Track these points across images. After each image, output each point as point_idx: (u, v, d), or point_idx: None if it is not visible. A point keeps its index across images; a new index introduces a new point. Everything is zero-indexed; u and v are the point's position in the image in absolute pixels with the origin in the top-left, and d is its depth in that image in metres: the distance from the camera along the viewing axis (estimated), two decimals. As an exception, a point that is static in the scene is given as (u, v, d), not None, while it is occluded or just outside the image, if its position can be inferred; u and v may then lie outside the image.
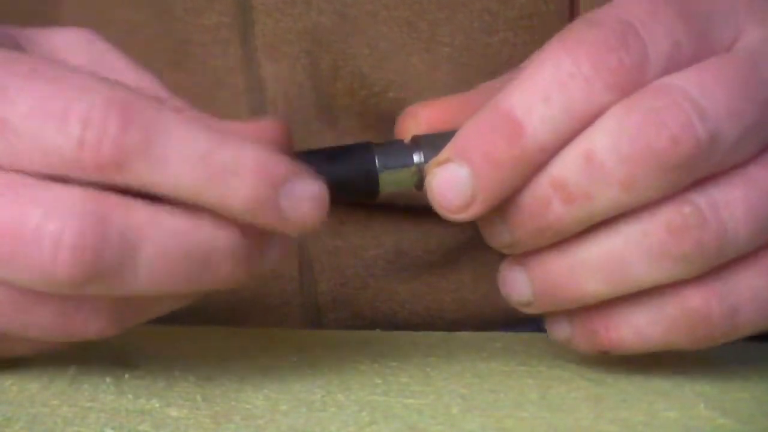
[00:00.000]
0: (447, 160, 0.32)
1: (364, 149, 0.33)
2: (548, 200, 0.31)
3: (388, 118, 0.49)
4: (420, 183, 0.33)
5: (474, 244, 0.55)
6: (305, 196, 0.30)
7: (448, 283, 0.54)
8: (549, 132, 0.31)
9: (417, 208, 0.52)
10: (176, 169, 0.29)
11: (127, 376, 0.33)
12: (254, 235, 0.31)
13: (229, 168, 0.29)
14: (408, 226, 0.53)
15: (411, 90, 0.49)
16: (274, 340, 0.41)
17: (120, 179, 0.28)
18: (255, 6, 0.47)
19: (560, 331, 0.34)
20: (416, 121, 0.35)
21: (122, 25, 0.48)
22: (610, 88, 0.31)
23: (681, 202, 0.31)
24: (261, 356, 0.36)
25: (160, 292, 0.30)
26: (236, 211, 0.29)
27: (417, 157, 0.33)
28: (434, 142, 0.33)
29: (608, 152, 0.31)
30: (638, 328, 0.32)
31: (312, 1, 0.47)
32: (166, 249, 0.29)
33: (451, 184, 0.32)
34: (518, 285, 0.33)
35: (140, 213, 0.29)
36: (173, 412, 0.29)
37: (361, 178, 0.33)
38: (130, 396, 0.31)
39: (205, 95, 0.47)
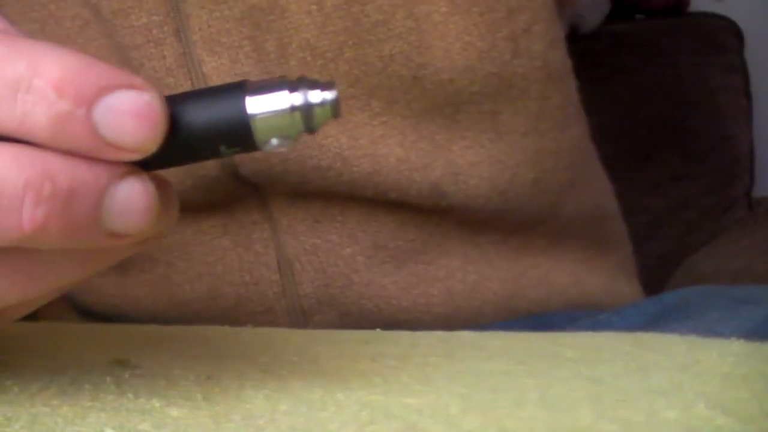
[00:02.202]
0: None
1: (234, 89, 0.27)
2: None
3: (351, 82, 0.49)
4: (310, 127, 0.27)
5: (462, 228, 0.54)
6: (127, 110, 0.25)
7: (437, 271, 0.54)
8: None
9: (391, 201, 0.51)
10: None
11: (127, 375, 0.33)
12: (84, 175, 0.25)
13: (22, 82, 0.24)
14: (384, 218, 0.52)
15: (369, 45, 0.47)
16: (274, 340, 0.41)
17: None
18: None
19: None
20: None
21: (72, 22, 0.48)
22: None
23: None
24: (261, 356, 0.37)
25: None
26: (41, 137, 0.25)
27: (300, 98, 0.27)
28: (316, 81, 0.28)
29: None
30: None
31: None
32: None
33: None
34: None
35: None
36: (173, 412, 0.29)
37: (230, 123, 0.27)
38: (130, 395, 0.31)
39: None
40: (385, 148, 0.49)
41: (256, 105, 0.27)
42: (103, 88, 0.25)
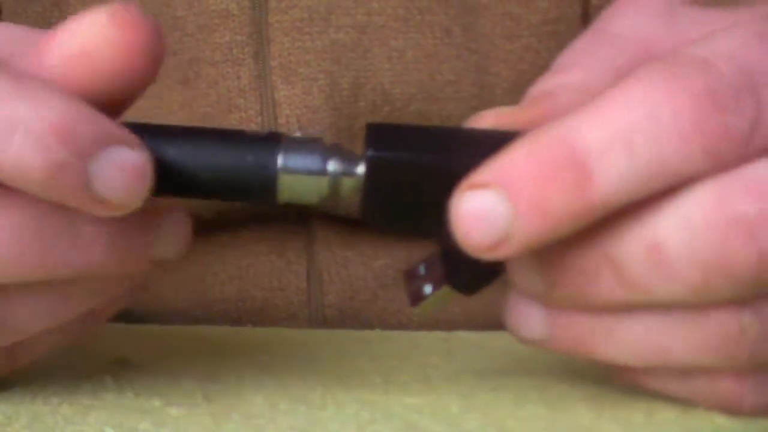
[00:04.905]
0: (484, 186, 0.25)
1: (268, 140, 0.27)
2: (599, 274, 0.26)
3: None
4: (332, 197, 0.28)
5: None
6: (123, 166, 0.25)
7: None
8: (623, 192, 0.25)
9: None
10: None
11: (127, 374, 0.33)
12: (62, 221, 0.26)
13: (21, 124, 0.24)
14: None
15: (435, 102, 0.48)
16: (274, 339, 0.41)
17: None
18: (271, 23, 0.46)
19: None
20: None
21: None
22: (707, 156, 0.25)
23: (742, 310, 0.26)
24: (261, 355, 0.37)
25: None
26: (33, 181, 0.25)
27: (332, 165, 0.27)
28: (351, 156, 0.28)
29: (680, 251, 0.25)
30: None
31: (331, 17, 0.46)
32: None
33: (483, 216, 0.25)
34: (532, 322, 0.29)
35: None
36: (173, 411, 0.30)
37: (254, 174, 0.27)
38: (130, 394, 0.31)
39: (214, 117, 0.46)
40: None
41: (289, 162, 0.27)
42: (103, 140, 0.25)
